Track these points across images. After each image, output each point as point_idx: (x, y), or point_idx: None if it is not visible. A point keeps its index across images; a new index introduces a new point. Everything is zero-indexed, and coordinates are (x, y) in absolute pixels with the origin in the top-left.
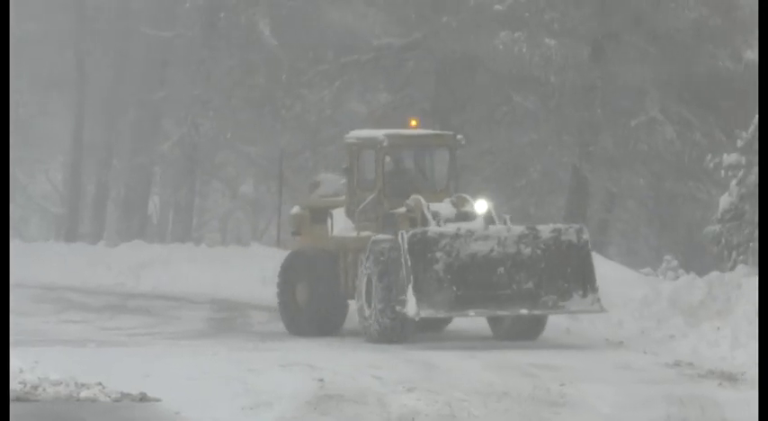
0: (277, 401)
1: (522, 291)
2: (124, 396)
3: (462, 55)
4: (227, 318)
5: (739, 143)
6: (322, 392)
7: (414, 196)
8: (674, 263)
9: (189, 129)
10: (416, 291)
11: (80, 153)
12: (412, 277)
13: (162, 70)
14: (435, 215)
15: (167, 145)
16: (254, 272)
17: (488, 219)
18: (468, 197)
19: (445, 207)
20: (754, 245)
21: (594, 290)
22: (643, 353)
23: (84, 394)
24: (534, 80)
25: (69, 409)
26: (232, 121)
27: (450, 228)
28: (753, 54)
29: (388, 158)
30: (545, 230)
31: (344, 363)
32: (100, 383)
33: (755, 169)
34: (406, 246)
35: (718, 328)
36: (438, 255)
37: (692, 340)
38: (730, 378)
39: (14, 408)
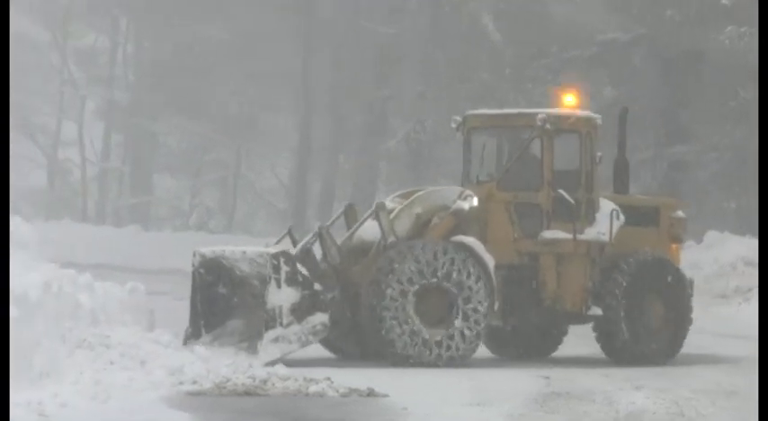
0: (504, 398)
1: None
2: (352, 391)
3: (687, 50)
4: None
5: None
6: (548, 390)
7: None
8: None
9: (414, 125)
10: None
11: (307, 148)
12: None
13: (388, 67)
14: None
15: (393, 142)
16: None
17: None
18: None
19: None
20: None
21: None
22: None
23: (312, 389)
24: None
25: (298, 404)
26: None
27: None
28: None
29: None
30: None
31: (570, 361)
32: (328, 378)
33: None
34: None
35: None
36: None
37: None
38: None
39: (244, 402)
